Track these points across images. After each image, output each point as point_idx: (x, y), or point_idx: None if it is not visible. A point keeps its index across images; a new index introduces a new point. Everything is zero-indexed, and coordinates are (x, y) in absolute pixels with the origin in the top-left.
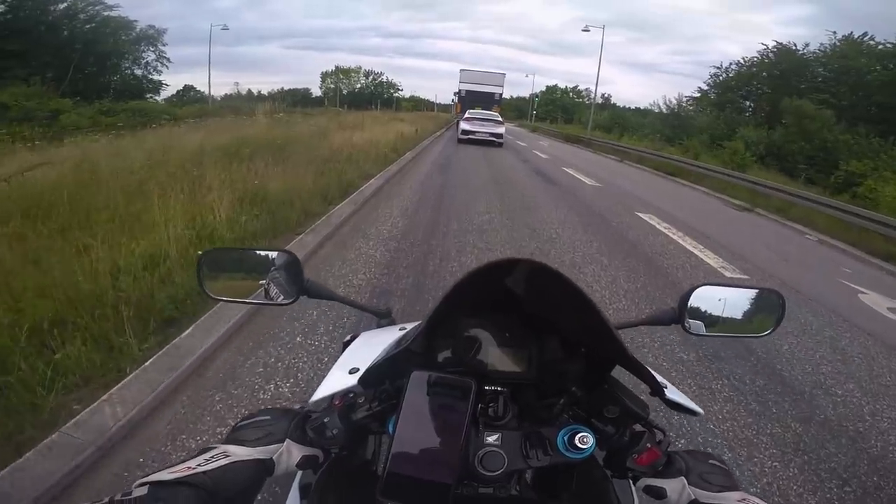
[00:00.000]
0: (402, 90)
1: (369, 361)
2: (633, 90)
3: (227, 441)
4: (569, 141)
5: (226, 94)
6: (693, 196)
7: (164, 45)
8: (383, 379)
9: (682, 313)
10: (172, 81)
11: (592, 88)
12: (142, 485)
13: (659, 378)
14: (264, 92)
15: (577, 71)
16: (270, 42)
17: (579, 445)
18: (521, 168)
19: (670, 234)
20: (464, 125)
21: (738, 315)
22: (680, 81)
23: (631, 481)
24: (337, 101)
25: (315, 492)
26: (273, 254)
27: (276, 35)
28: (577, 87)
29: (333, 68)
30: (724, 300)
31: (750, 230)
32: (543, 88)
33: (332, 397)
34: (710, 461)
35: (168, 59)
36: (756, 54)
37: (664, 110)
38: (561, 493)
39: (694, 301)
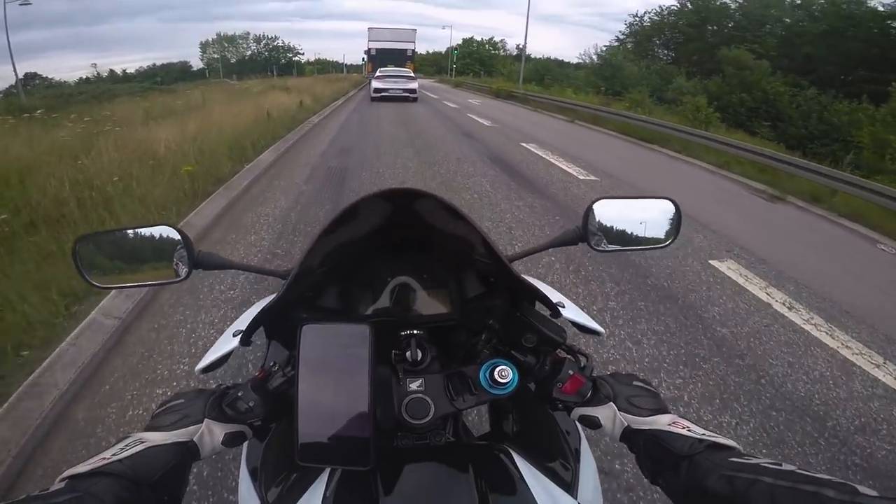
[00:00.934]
0: (302, 53)
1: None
2: (543, 43)
3: (145, 429)
4: (500, 97)
5: (81, 78)
6: (720, 186)
7: None
8: (289, 342)
9: (585, 231)
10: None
11: (508, 40)
12: (62, 480)
13: (557, 297)
14: (131, 70)
15: (489, 25)
16: (143, 16)
17: (500, 380)
18: (467, 149)
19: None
20: (375, 83)
21: (637, 226)
22: (587, 33)
23: (566, 413)
24: (220, 71)
25: (263, 469)
26: (157, 230)
27: (150, 8)
28: (492, 38)
29: (215, 36)
30: (623, 213)
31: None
32: (459, 42)
33: (219, 362)
34: (635, 383)
35: None
36: (674, 3)
37: (595, 61)
38: (506, 435)
39: (595, 217)
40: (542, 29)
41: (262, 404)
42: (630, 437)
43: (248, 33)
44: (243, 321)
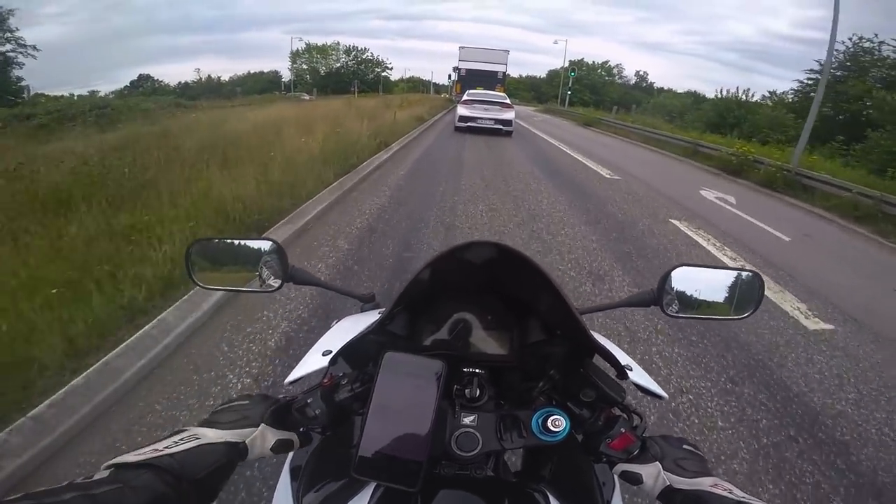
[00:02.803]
0: (390, 68)
1: (343, 343)
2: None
3: (202, 424)
4: (737, 176)
5: (181, 83)
6: None
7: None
8: (363, 361)
9: (660, 294)
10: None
11: (623, 65)
12: (107, 468)
13: (625, 360)
14: (225, 78)
15: (584, 52)
16: (270, 28)
17: (552, 428)
18: None
19: None
20: (462, 110)
21: (718, 296)
22: (694, 62)
23: (608, 467)
24: (293, 85)
25: (305, 473)
26: (260, 243)
27: (276, 20)
28: (607, 62)
29: (303, 45)
30: (702, 281)
31: None
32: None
33: (307, 379)
34: (685, 446)
35: (34, 47)
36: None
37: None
38: (542, 477)
39: (673, 281)
40: (647, 58)
41: (328, 413)
42: (669, 496)
43: (339, 43)
44: (330, 339)
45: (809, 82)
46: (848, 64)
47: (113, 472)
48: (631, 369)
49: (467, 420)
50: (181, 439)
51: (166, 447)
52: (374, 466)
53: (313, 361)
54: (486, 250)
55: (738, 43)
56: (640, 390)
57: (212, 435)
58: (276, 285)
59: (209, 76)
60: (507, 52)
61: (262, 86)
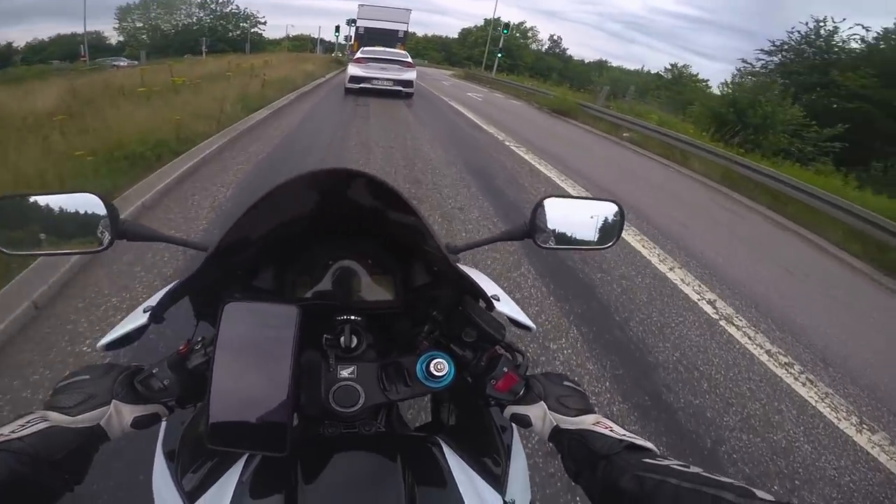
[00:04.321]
0: (262, 22)
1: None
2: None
3: (46, 406)
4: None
5: None
6: None
7: None
8: (206, 317)
9: (532, 227)
10: None
11: (537, 28)
12: None
13: (493, 290)
14: (18, 45)
15: (480, 13)
16: None
17: (435, 373)
18: None
19: None
20: (353, 69)
21: (583, 226)
22: (586, 31)
23: (500, 410)
24: (124, 47)
25: (180, 453)
26: (79, 196)
27: None
28: (523, 23)
29: None
30: (569, 212)
31: None
32: (466, 27)
33: (125, 339)
34: (566, 383)
35: None
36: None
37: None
38: (438, 426)
39: (542, 214)
40: (544, 24)
41: (178, 383)
42: (557, 436)
43: None
44: (156, 297)
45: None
46: (810, 49)
47: None
48: (498, 299)
49: (345, 373)
50: (27, 422)
51: (12, 431)
52: (230, 435)
53: (133, 320)
54: (338, 180)
55: (624, 15)
56: (509, 322)
57: (62, 420)
58: (106, 243)
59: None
60: (409, 10)
61: (72, 51)
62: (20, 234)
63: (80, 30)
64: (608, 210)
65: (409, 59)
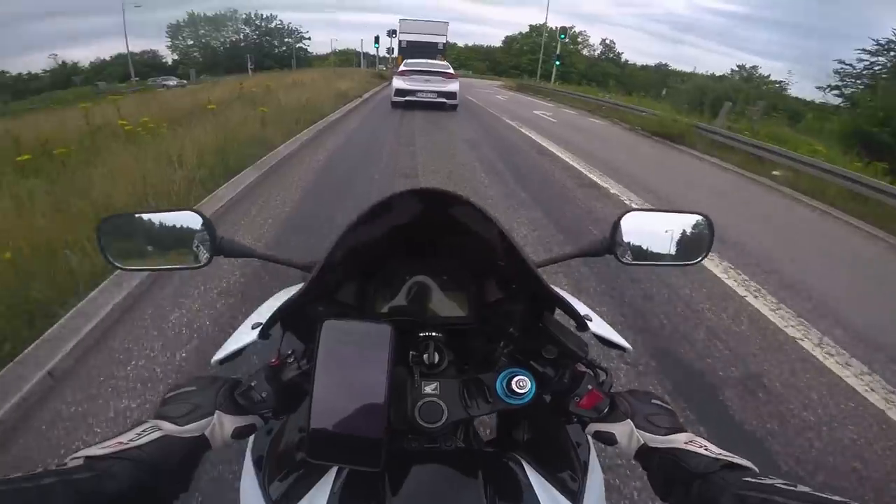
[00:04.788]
0: (307, 38)
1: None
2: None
3: (158, 416)
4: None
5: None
6: None
7: None
8: (312, 335)
9: (613, 242)
10: None
11: (587, 32)
12: (75, 458)
13: (584, 310)
14: (85, 64)
15: (517, 21)
16: (188, 5)
17: (517, 390)
18: None
19: None
20: (398, 82)
21: (668, 240)
22: (628, 34)
23: (581, 427)
24: (179, 65)
25: (268, 461)
26: (181, 214)
27: None
28: (572, 28)
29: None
30: (652, 225)
31: None
32: (510, 35)
33: (236, 353)
34: (654, 401)
35: None
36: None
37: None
38: (516, 443)
39: (624, 228)
40: (586, 30)
41: (275, 395)
42: (645, 454)
43: (236, 11)
44: (261, 313)
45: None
46: None
47: (86, 461)
48: (591, 320)
49: (429, 389)
50: (143, 431)
51: (131, 440)
52: (329, 448)
53: (243, 336)
54: (425, 199)
55: (668, 15)
56: (601, 342)
57: (171, 429)
58: (205, 260)
59: (64, 63)
60: (446, 23)
61: (137, 69)
62: (126, 249)
63: (142, 47)
64: (695, 223)
65: (451, 70)
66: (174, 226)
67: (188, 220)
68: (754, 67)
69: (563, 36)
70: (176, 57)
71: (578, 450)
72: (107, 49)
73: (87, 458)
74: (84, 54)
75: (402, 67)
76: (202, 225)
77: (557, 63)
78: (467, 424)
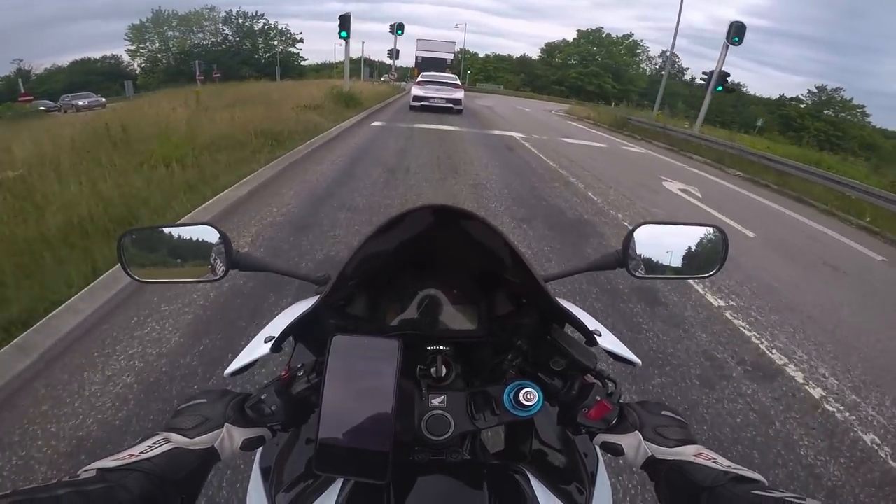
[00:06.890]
0: (300, 40)
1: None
2: None
3: (168, 428)
4: None
5: None
6: None
7: None
8: (322, 349)
9: (625, 255)
10: None
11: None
12: (88, 470)
13: (593, 325)
14: (37, 72)
15: (541, 34)
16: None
17: (524, 402)
18: None
19: None
20: (416, 90)
21: (681, 253)
22: (647, 47)
23: (588, 438)
24: (142, 73)
25: (275, 471)
26: (198, 229)
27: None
28: (630, 36)
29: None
30: (665, 238)
31: None
32: (555, 40)
33: (247, 367)
34: (664, 412)
35: None
36: None
37: None
38: (523, 454)
39: (637, 241)
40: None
41: (284, 409)
42: (653, 466)
43: (214, 8)
44: (274, 326)
45: None
46: None
47: (99, 473)
48: (600, 335)
49: (436, 401)
50: (154, 443)
51: (142, 452)
52: (336, 461)
53: (255, 350)
54: (433, 214)
55: (688, 29)
56: (610, 357)
57: (181, 441)
58: (221, 273)
59: (25, 70)
60: (454, 42)
61: (90, 79)
62: (145, 262)
63: (109, 52)
64: (708, 235)
65: (458, 81)
66: (192, 239)
67: (205, 233)
68: (837, 89)
69: (736, 39)
70: (140, 62)
71: (586, 461)
72: (66, 56)
73: (100, 469)
74: (39, 62)
75: (419, 79)
76: (219, 239)
77: (719, 88)
78: (474, 436)
